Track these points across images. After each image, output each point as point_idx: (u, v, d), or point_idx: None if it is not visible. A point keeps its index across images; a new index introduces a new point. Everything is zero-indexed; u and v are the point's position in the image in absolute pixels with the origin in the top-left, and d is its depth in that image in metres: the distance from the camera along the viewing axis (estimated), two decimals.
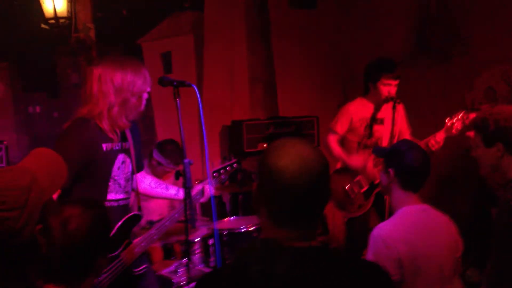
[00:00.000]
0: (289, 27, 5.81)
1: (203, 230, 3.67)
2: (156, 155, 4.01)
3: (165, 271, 3.43)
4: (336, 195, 4.04)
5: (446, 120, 3.71)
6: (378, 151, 2.58)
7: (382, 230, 2.19)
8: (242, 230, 3.63)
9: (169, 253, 3.87)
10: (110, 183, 2.62)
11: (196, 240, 3.64)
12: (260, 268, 1.28)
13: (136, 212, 2.70)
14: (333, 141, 4.08)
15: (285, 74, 5.81)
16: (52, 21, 5.32)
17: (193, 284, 2.89)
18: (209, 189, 2.88)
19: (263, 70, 5.78)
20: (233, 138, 5.31)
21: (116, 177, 2.65)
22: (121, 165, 2.68)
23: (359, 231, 4.06)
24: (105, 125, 2.55)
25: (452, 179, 5.03)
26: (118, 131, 2.63)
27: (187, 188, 2.50)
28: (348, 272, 1.33)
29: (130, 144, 2.73)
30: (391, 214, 2.41)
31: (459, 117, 3.67)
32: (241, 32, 5.67)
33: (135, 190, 2.85)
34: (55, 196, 2.41)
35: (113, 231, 2.57)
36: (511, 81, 4.81)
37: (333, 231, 5.29)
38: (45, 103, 8.03)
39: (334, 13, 5.95)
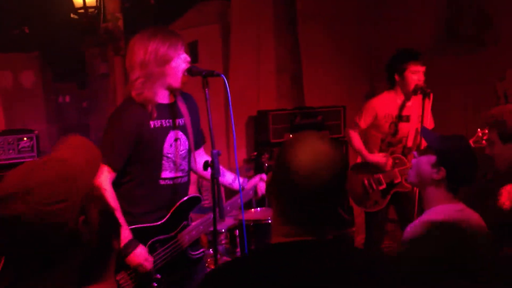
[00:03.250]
0: (316, 16, 5.76)
1: (229, 221, 3.68)
2: None
3: None
4: (354, 189, 4.03)
5: (478, 130, 3.59)
6: (429, 137, 2.32)
7: (421, 222, 2.11)
8: (269, 221, 3.63)
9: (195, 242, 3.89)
10: (163, 161, 2.56)
11: (222, 230, 3.66)
12: (270, 263, 1.28)
13: (195, 194, 2.69)
14: (354, 135, 4.04)
15: (312, 64, 5.76)
16: (82, 10, 5.38)
17: None
18: (262, 187, 2.77)
19: (289, 60, 5.74)
20: (259, 128, 5.31)
21: (169, 155, 2.58)
22: (174, 142, 2.61)
23: (376, 227, 4.06)
24: (137, 98, 2.50)
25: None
26: (165, 105, 2.56)
27: (215, 178, 2.49)
28: (359, 267, 1.30)
29: (186, 120, 2.65)
30: (420, 212, 2.34)
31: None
32: (268, 22, 5.64)
33: (193, 170, 2.78)
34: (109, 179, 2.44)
35: (171, 212, 2.59)
36: None
37: (359, 224, 5.26)
38: (75, 93, 8.14)
39: (362, 2, 5.87)
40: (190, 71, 2.60)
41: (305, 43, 5.74)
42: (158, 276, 2.53)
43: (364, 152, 3.99)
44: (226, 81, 2.53)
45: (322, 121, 5.25)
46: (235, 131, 2.63)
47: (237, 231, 3.65)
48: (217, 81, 2.60)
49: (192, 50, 6.27)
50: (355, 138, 4.04)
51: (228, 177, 2.82)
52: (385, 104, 3.94)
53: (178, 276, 2.63)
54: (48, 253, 1.09)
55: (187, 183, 2.73)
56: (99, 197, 1.18)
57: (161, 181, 2.59)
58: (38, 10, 5.86)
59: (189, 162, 2.71)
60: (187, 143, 2.67)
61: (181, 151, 2.64)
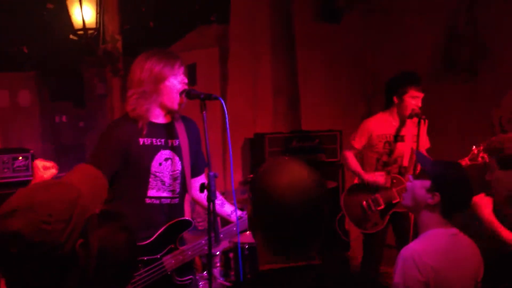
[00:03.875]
0: (313, 40, 5.80)
1: (224, 243, 3.65)
2: None
3: None
4: (353, 210, 4.02)
5: (473, 148, 3.62)
6: (424, 161, 2.35)
7: (414, 252, 2.13)
8: None
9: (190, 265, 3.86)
10: (150, 179, 2.57)
11: (217, 253, 3.63)
12: None
13: (186, 218, 2.65)
14: (350, 156, 4.06)
15: (309, 88, 5.79)
16: (81, 32, 5.40)
17: None
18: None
19: (286, 83, 5.77)
20: (255, 151, 5.30)
21: (157, 174, 2.59)
22: (164, 162, 2.61)
23: (374, 248, 4.04)
24: (130, 113, 2.55)
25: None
26: (159, 124, 2.59)
27: (212, 201, 2.47)
28: None
29: (182, 142, 2.65)
30: (415, 232, 2.35)
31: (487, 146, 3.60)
32: (266, 45, 5.68)
33: (190, 195, 2.76)
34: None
35: (158, 233, 2.55)
36: None
37: (355, 247, 5.22)
38: (71, 112, 8.14)
39: (359, 28, 5.93)
40: (188, 94, 2.61)
41: (303, 66, 5.77)
42: None
43: (361, 172, 3.99)
44: (224, 104, 2.54)
45: (318, 144, 5.26)
46: (232, 153, 2.63)
47: (232, 254, 3.62)
48: (215, 103, 2.60)
49: (191, 73, 6.31)
50: (351, 159, 4.05)
51: (227, 209, 2.80)
52: (380, 124, 3.97)
53: None
54: (43, 273, 1.11)
55: (179, 205, 2.71)
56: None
57: (147, 199, 2.58)
58: (37, 30, 5.89)
59: (182, 185, 2.69)
60: (180, 164, 2.66)
61: (172, 172, 2.64)
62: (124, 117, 2.61)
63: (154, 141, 2.59)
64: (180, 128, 2.68)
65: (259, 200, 1.36)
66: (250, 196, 1.40)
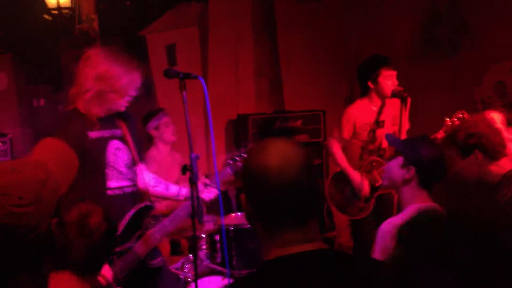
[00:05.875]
0: (295, 21, 5.75)
1: (210, 226, 3.63)
2: (148, 129, 4.01)
3: (171, 267, 3.39)
4: (337, 198, 4.01)
5: (446, 119, 3.64)
6: (394, 142, 2.45)
7: (391, 225, 2.15)
8: (249, 226, 3.58)
9: (175, 248, 3.83)
10: (107, 171, 2.59)
11: (202, 235, 3.60)
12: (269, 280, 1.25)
13: (147, 203, 2.65)
14: (337, 149, 3.98)
15: (291, 68, 5.75)
16: (55, 11, 5.27)
17: (199, 280, 2.85)
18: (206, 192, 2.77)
19: (268, 64, 5.72)
20: (239, 132, 5.27)
21: (113, 164, 2.61)
22: (117, 151, 2.63)
23: (364, 233, 4.03)
24: (81, 108, 2.55)
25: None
26: (102, 116, 2.60)
27: (194, 183, 2.45)
28: (353, 274, 1.29)
29: (125, 132, 2.69)
30: (399, 210, 2.37)
31: (459, 116, 3.61)
32: (247, 26, 5.61)
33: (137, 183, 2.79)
34: None
35: (124, 223, 2.54)
36: None
37: (340, 227, 5.25)
38: (49, 96, 7.98)
39: (340, 8, 5.88)
40: (167, 74, 2.57)
41: (284, 48, 5.73)
42: None
43: (348, 168, 3.92)
44: (204, 84, 2.52)
45: (302, 125, 5.24)
46: (215, 134, 2.60)
47: (218, 236, 3.59)
48: (196, 85, 2.58)
49: (171, 53, 6.20)
50: (338, 153, 3.97)
51: (172, 190, 2.84)
52: (361, 112, 3.94)
53: (140, 286, 2.60)
54: (20, 256, 1.08)
55: (136, 192, 2.73)
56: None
57: (108, 191, 2.59)
58: (11, 11, 5.72)
59: (134, 171, 2.73)
60: (129, 152, 2.69)
61: (125, 161, 2.67)
62: (71, 112, 2.59)
63: (102, 133, 2.61)
64: (119, 118, 2.70)
65: (251, 184, 1.32)
66: (242, 183, 1.37)
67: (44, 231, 1.09)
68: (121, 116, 2.71)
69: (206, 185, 2.75)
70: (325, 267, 1.27)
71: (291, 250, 1.28)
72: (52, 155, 1.22)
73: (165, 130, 4.02)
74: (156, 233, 2.63)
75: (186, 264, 3.33)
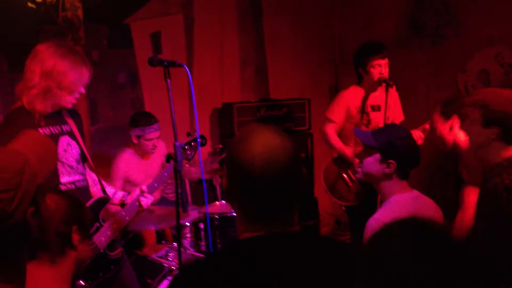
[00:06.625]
0: (280, 8, 5.73)
1: (194, 214, 3.64)
2: (133, 132, 3.98)
3: (155, 255, 3.39)
4: (334, 183, 4.02)
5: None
6: (366, 139, 2.36)
7: (379, 221, 2.17)
8: (233, 214, 3.59)
9: (160, 237, 3.83)
10: (59, 167, 2.55)
11: (187, 224, 3.60)
12: (240, 259, 1.26)
13: (101, 195, 2.65)
14: (331, 132, 4.01)
15: (276, 57, 5.74)
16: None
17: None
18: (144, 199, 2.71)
19: (254, 52, 5.70)
20: (224, 120, 5.25)
21: (64, 160, 2.58)
22: (67, 147, 2.61)
23: (360, 218, 4.02)
24: (26, 105, 2.48)
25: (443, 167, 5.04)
26: (49, 112, 2.55)
27: (178, 171, 2.45)
28: (329, 256, 1.31)
29: (72, 127, 2.66)
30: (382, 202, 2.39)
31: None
32: (232, 13, 5.57)
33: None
34: None
35: None
36: (504, 63, 4.78)
37: (323, 215, 5.27)
38: None
39: None
40: (151, 62, 2.56)
41: (270, 36, 5.71)
42: (82, 282, 2.45)
43: (344, 149, 3.96)
44: (188, 72, 2.54)
45: (287, 113, 5.24)
46: (199, 123, 2.59)
47: (202, 224, 3.60)
48: (181, 73, 2.56)
49: (155, 41, 6.15)
50: (333, 136, 4.00)
51: (109, 191, 2.78)
52: (355, 96, 3.98)
53: (102, 279, 2.58)
54: None
55: (88, 186, 2.71)
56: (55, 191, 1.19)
57: (62, 186, 2.55)
58: None
59: (83, 166, 2.71)
60: (78, 147, 2.66)
61: (74, 156, 2.64)
62: (17, 111, 2.51)
63: (52, 130, 2.56)
64: (65, 113, 2.66)
65: (237, 170, 1.32)
66: (226, 170, 1.37)
67: (20, 220, 1.08)
68: (68, 111, 2.67)
69: (142, 192, 2.69)
70: (292, 249, 1.28)
71: (263, 231, 1.28)
72: (34, 146, 1.23)
73: (144, 143, 3.96)
74: (114, 224, 2.61)
75: (170, 253, 3.33)
